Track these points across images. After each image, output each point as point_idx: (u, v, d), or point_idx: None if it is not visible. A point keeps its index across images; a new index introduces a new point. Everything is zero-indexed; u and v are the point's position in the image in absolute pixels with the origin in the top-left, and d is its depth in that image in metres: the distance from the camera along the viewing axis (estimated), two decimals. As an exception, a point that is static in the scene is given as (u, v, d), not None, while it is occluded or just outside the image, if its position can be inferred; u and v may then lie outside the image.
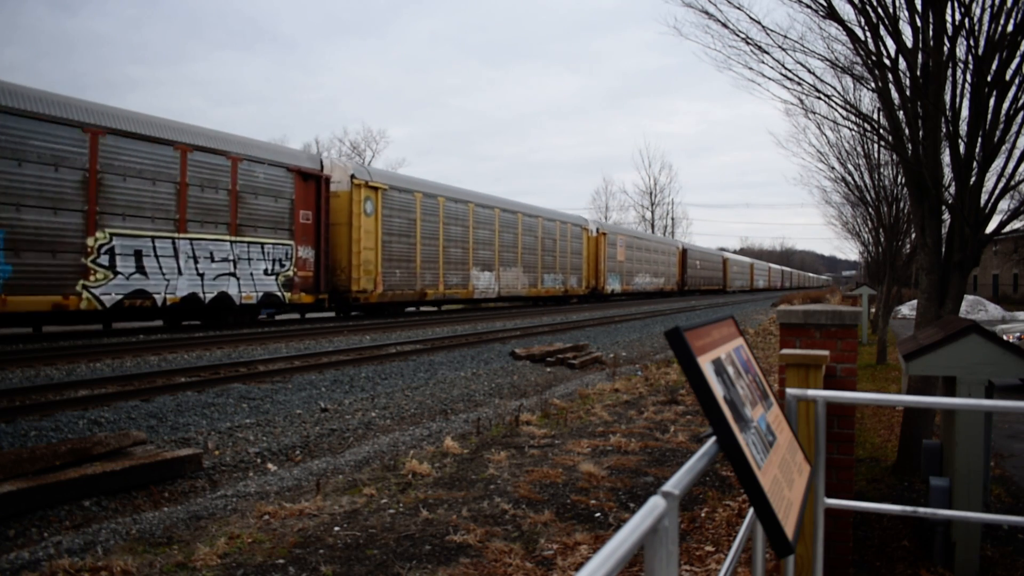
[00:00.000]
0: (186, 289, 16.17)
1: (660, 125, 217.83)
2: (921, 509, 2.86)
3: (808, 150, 28.53)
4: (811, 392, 2.82)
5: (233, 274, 17.39)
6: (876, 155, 14.56)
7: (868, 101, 12.79)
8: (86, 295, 14.09)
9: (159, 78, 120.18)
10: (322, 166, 20.54)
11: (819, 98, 7.36)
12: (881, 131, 7.78)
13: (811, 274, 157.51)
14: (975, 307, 29.65)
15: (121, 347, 13.14)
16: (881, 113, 8.44)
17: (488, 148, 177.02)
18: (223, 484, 6.17)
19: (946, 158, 6.78)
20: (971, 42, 5.82)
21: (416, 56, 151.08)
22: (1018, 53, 5.81)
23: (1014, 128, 6.21)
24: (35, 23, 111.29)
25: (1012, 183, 6.57)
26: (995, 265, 52.12)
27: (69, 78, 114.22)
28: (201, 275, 16.54)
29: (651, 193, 78.77)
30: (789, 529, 1.74)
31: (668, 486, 1.38)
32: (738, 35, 6.94)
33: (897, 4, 6.19)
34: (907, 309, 30.07)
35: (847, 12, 6.64)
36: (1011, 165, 6.35)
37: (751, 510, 2.17)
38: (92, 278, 14.22)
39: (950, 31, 5.86)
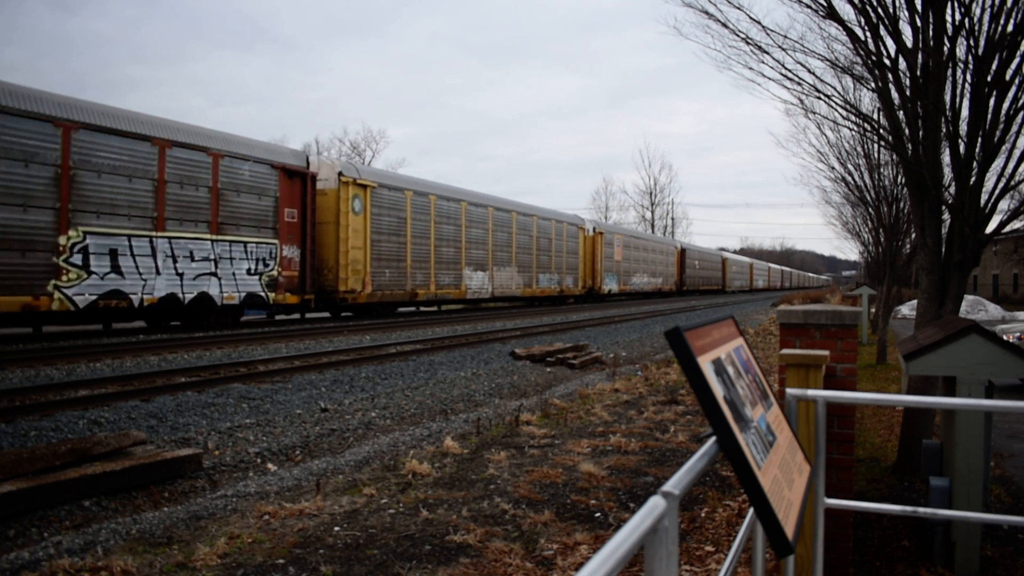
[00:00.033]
0: (164, 289, 15.73)
1: (660, 125, 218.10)
2: (921, 509, 2.86)
3: (808, 150, 28.54)
4: (811, 392, 2.83)
5: (214, 274, 16.94)
6: (876, 155, 14.56)
7: (868, 101, 12.80)
8: (58, 296, 13.65)
9: (159, 78, 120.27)
10: (308, 163, 20.06)
11: (819, 98, 7.37)
12: (881, 131, 7.78)
13: (811, 274, 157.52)
14: (975, 307, 29.65)
15: (121, 347, 13.14)
16: (881, 113, 8.44)
17: (488, 148, 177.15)
18: (223, 484, 6.17)
19: (946, 158, 6.78)
20: (971, 42, 5.82)
21: (416, 56, 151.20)
22: (1018, 53, 5.81)
23: (1014, 128, 6.22)
24: (35, 23, 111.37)
25: (1012, 183, 6.57)
26: (995, 265, 52.12)
27: (69, 78, 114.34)
28: (180, 275, 16.11)
29: (651, 193, 78.81)
30: (789, 529, 1.74)
31: (668, 486, 1.38)
32: (738, 35, 6.95)
33: (897, 4, 6.19)
34: (907, 309, 30.08)
35: (847, 12, 6.65)
36: (1011, 165, 6.36)
37: (751, 510, 2.17)
38: (64, 278, 13.76)
39: (950, 31, 5.86)
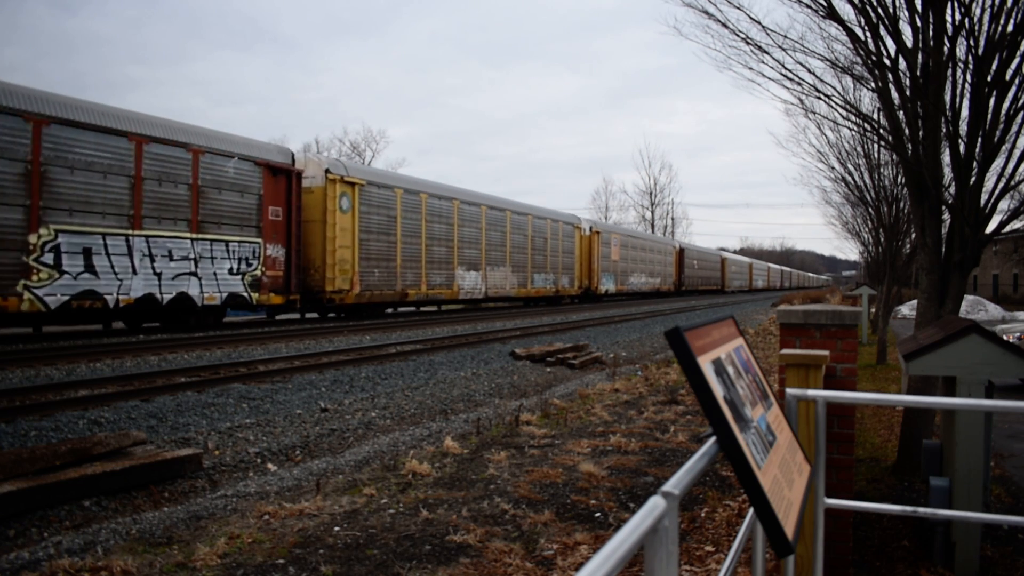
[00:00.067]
0: (141, 289, 15.21)
1: (660, 125, 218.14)
2: (921, 509, 2.86)
3: (808, 150, 28.55)
4: (811, 392, 2.83)
5: (194, 274, 16.44)
6: (876, 155, 14.56)
7: (868, 101, 12.80)
8: (28, 296, 13.18)
9: (159, 78, 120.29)
10: (293, 160, 19.61)
11: (819, 98, 7.37)
12: (881, 131, 7.78)
13: (811, 274, 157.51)
14: (975, 307, 29.65)
15: (121, 347, 13.14)
16: (881, 113, 8.44)
17: (488, 148, 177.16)
18: (223, 484, 6.17)
19: (946, 158, 6.78)
20: (971, 42, 5.83)
21: (416, 56, 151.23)
22: (1018, 53, 5.81)
23: (1014, 128, 6.22)
24: (35, 23, 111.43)
25: (1012, 183, 6.58)
26: (995, 265, 52.12)
27: (69, 78, 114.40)
28: (158, 274, 15.62)
29: (651, 193, 78.84)
30: (789, 529, 1.74)
31: (668, 486, 1.38)
32: (738, 35, 6.95)
33: (897, 4, 6.20)
34: (907, 309, 30.08)
35: (847, 12, 6.65)
36: (1011, 165, 6.36)
37: (751, 510, 2.17)
38: (35, 278, 13.29)
39: (950, 31, 5.86)
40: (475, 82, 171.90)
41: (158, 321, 17.27)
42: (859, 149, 14.99)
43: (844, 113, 9.08)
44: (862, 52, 6.72)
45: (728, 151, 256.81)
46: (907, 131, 6.42)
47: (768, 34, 6.84)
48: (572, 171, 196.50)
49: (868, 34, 6.41)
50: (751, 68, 7.16)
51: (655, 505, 1.28)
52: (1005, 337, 11.97)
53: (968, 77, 6.07)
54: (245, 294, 17.85)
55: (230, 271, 17.43)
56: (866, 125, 8.85)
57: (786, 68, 6.94)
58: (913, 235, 13.88)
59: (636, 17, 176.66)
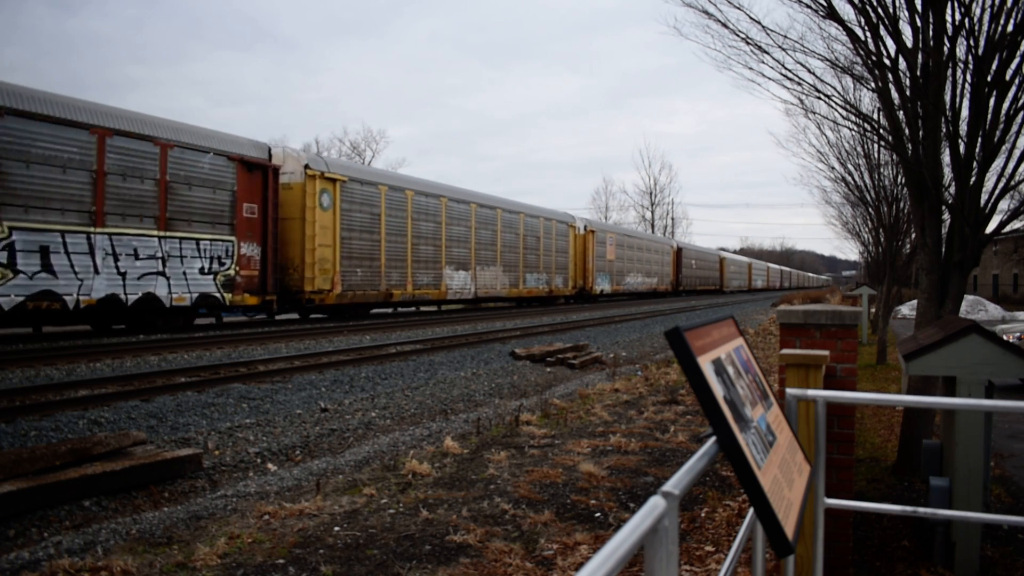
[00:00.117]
0: (104, 290, 14.43)
1: (660, 125, 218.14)
2: (921, 509, 2.86)
3: (808, 150, 28.56)
4: (811, 392, 2.83)
5: (162, 273, 15.70)
6: (876, 155, 14.57)
7: (868, 101, 12.81)
8: None
9: (159, 78, 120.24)
10: (270, 155, 18.87)
11: (819, 98, 7.37)
12: (881, 131, 7.78)
13: (811, 274, 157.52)
14: (975, 307, 29.66)
15: (121, 347, 13.14)
16: (881, 113, 8.44)
17: (488, 148, 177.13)
18: (223, 484, 6.17)
19: (946, 158, 6.78)
20: (971, 42, 5.83)
21: (416, 56, 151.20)
22: (1018, 53, 5.81)
23: (1014, 128, 6.22)
24: (35, 23, 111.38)
25: (1012, 183, 6.58)
26: (995, 265, 52.13)
27: (69, 78, 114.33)
28: (123, 274, 14.85)
29: (651, 193, 78.86)
30: (789, 529, 1.74)
31: (668, 486, 1.38)
32: (738, 35, 6.95)
33: (897, 4, 6.20)
34: (907, 309, 30.08)
35: (847, 12, 6.65)
36: (1011, 165, 6.36)
37: (751, 510, 2.17)
38: None
39: (950, 31, 5.86)
40: (475, 82, 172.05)
41: (124, 323, 16.58)
42: (859, 149, 15.00)
43: (844, 113, 9.09)
44: (862, 52, 6.72)
45: (728, 151, 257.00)
46: (907, 131, 6.42)
47: (768, 34, 6.85)
48: (572, 171, 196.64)
49: (868, 34, 6.41)
50: (751, 68, 7.17)
51: (655, 505, 1.28)
52: (1005, 337, 11.97)
53: (968, 77, 6.07)
54: (217, 294, 17.12)
55: (201, 271, 16.71)
56: (866, 125, 8.85)
57: (786, 68, 6.95)
58: (913, 235, 13.89)
59: (636, 17, 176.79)
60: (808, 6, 6.63)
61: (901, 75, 6.37)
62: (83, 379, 9.84)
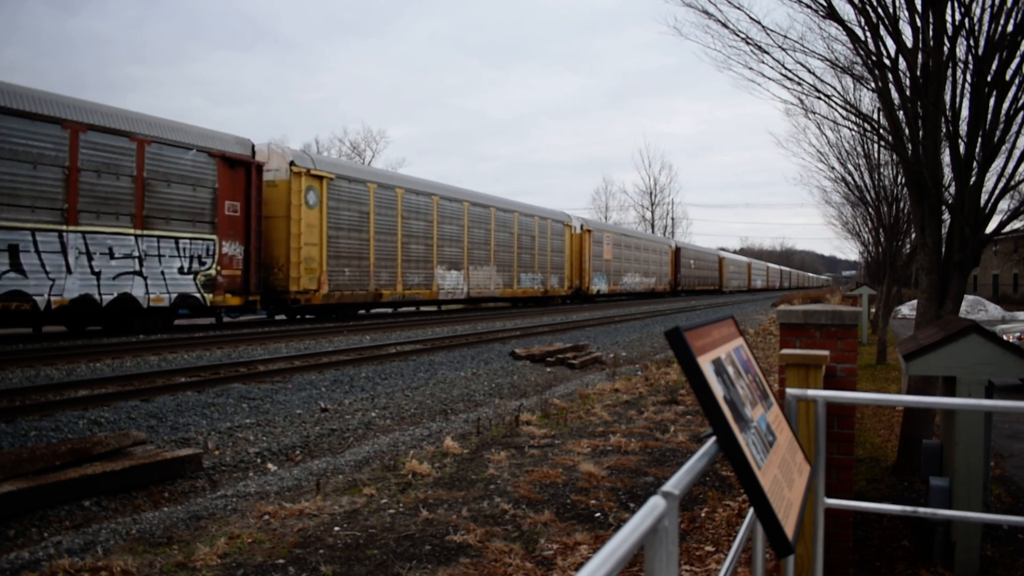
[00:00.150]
0: (78, 290, 13.92)
1: (660, 125, 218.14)
2: (921, 509, 2.86)
3: (808, 150, 28.56)
4: (811, 392, 2.83)
5: (139, 273, 15.17)
6: (876, 155, 14.57)
7: (868, 101, 12.81)
8: None
9: (159, 78, 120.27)
10: (254, 152, 18.30)
11: (819, 98, 7.37)
12: (881, 131, 7.78)
13: (811, 274, 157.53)
14: (975, 307, 29.66)
15: (121, 347, 13.14)
16: (881, 113, 8.45)
17: (488, 148, 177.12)
18: (223, 484, 6.17)
19: (946, 158, 6.78)
20: (971, 42, 5.83)
21: (416, 56, 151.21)
22: (1018, 53, 5.81)
23: (1014, 128, 6.22)
24: (35, 23, 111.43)
25: (1012, 183, 6.58)
26: (995, 265, 52.13)
27: (69, 78, 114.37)
28: (97, 274, 14.32)
29: (651, 193, 78.87)
30: (789, 529, 1.74)
31: (668, 486, 1.38)
32: (738, 35, 6.95)
33: (897, 4, 6.20)
34: (907, 309, 30.09)
35: (847, 12, 6.65)
36: (1011, 165, 6.36)
37: (751, 510, 2.17)
38: None
39: (950, 31, 5.86)
40: (475, 82, 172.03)
41: (100, 325, 16.09)
42: (859, 149, 15.00)
43: (844, 113, 9.09)
44: (862, 52, 6.72)
45: (728, 151, 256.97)
46: (907, 131, 6.42)
47: (768, 34, 6.85)
48: (572, 171, 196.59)
49: (868, 34, 6.41)
50: (751, 68, 7.17)
51: (655, 505, 1.28)
52: (1005, 337, 11.97)
53: (968, 77, 6.07)
54: (198, 295, 16.61)
55: (180, 270, 16.23)
56: (866, 125, 8.85)
57: (786, 68, 6.95)
58: (913, 235, 13.89)
59: (636, 17, 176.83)
60: (808, 6, 6.64)
61: (901, 75, 6.37)
62: (83, 379, 9.84)
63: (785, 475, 1.98)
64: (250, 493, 5.59)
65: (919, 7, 5.99)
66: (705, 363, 1.72)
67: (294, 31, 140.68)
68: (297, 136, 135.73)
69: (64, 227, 13.82)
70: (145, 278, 15.39)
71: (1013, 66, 5.85)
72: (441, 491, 5.23)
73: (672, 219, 79.85)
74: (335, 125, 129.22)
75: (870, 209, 16.61)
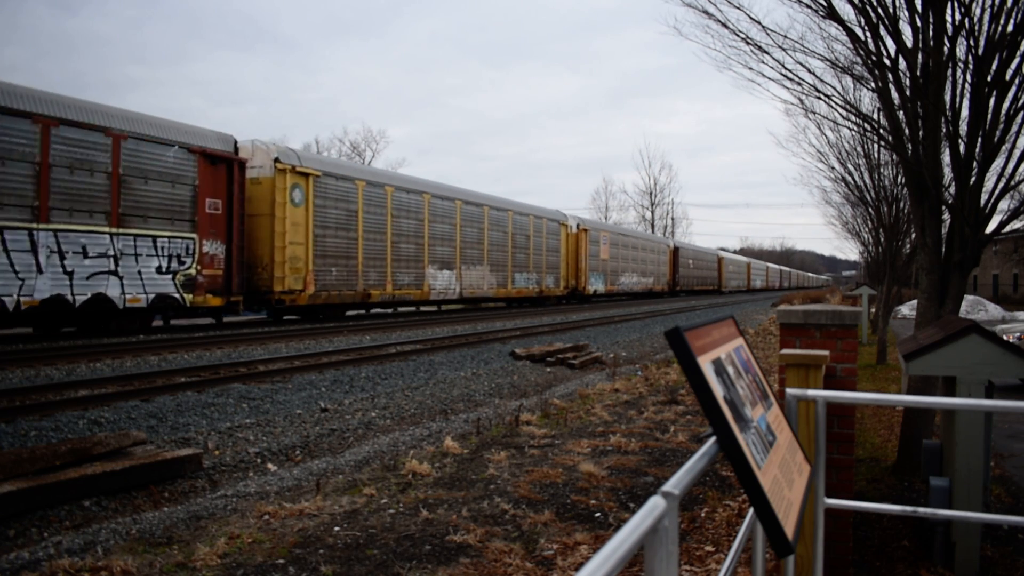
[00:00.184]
0: (49, 291, 13.40)
1: (660, 125, 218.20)
2: (921, 509, 2.86)
3: (808, 150, 28.57)
4: (811, 392, 2.83)
5: (114, 272, 14.62)
6: (876, 155, 14.57)
7: (868, 101, 12.81)
8: None
9: (159, 78, 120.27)
10: (236, 148, 17.79)
11: (819, 98, 7.37)
12: (881, 131, 7.78)
13: (810, 274, 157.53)
14: (975, 307, 29.66)
15: (121, 347, 13.14)
16: (881, 113, 8.45)
17: (488, 148, 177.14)
18: (223, 484, 6.17)
19: (946, 158, 6.78)
20: (971, 42, 5.83)
21: (416, 56, 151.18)
22: (1018, 53, 5.81)
23: (1014, 128, 6.22)
24: (35, 23, 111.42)
25: (1012, 183, 6.58)
26: (995, 265, 52.13)
27: (69, 78, 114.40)
28: (70, 273, 13.80)
29: (651, 193, 78.89)
30: (789, 529, 1.74)
31: (668, 486, 1.38)
32: (738, 35, 6.95)
33: (897, 4, 6.20)
34: (907, 309, 30.09)
35: (847, 12, 6.65)
36: (1011, 165, 6.36)
37: (751, 510, 2.17)
38: None
39: (950, 31, 5.86)
40: (475, 82, 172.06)
41: (73, 326, 15.58)
42: (859, 149, 15.00)
43: (844, 113, 9.09)
44: (862, 52, 6.72)
45: (728, 151, 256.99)
46: (907, 131, 6.42)
47: (768, 34, 6.85)
48: (572, 171, 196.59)
49: (868, 34, 6.41)
50: (751, 68, 7.17)
51: (655, 505, 1.28)
52: (1005, 337, 11.97)
53: (968, 77, 6.07)
54: (177, 295, 16.09)
55: (158, 270, 15.65)
56: (866, 125, 8.86)
57: (786, 68, 6.95)
58: (913, 235, 13.89)
59: (636, 17, 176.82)
60: (808, 6, 6.64)
61: (901, 75, 6.37)
62: (83, 379, 9.85)
63: (785, 475, 1.98)
64: (250, 493, 5.59)
65: (919, 7, 5.99)
66: (705, 363, 1.72)
67: (294, 31, 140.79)
68: (297, 136, 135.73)
69: (35, 225, 13.34)
70: (121, 278, 14.88)
71: (1013, 66, 5.85)
72: (441, 491, 5.23)
73: (672, 219, 79.91)
74: (335, 125, 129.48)
75: (870, 209, 16.61)
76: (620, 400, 9.34)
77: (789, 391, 2.82)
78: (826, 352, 3.58)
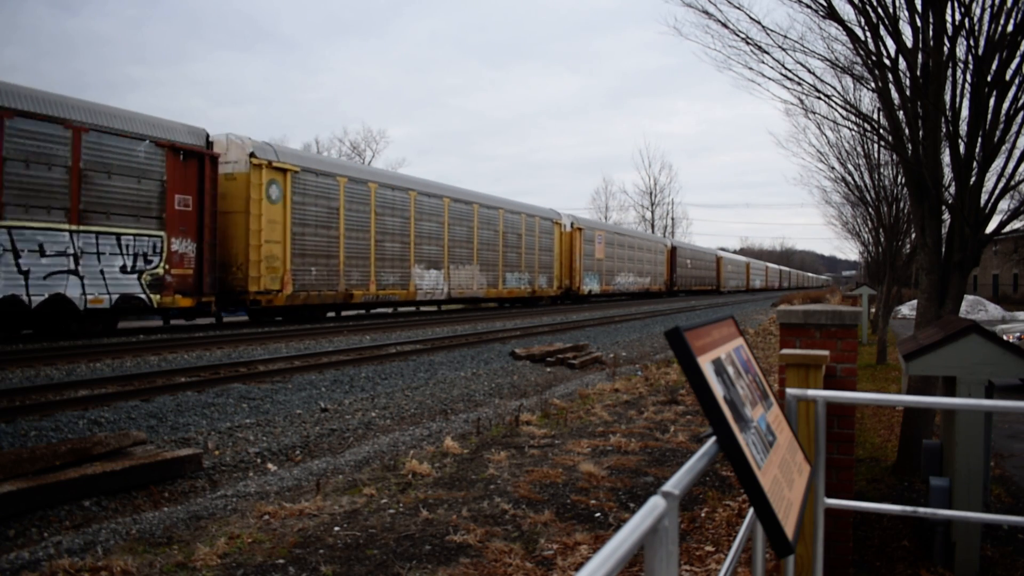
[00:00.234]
0: (1, 291, 12.78)
1: (660, 125, 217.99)
2: (921, 509, 2.86)
3: (808, 150, 28.55)
4: (811, 392, 2.83)
5: (74, 272, 13.93)
6: (876, 155, 14.57)
7: (868, 101, 12.81)
8: None
9: (159, 78, 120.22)
10: (209, 142, 17.14)
11: (819, 98, 7.37)
12: (881, 131, 7.78)
13: (810, 274, 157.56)
14: (975, 307, 29.66)
15: (121, 347, 13.14)
16: (881, 113, 8.45)
17: (488, 148, 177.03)
18: (223, 484, 6.17)
19: (946, 158, 6.78)
20: (971, 42, 5.83)
21: (416, 56, 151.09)
22: (1018, 53, 5.81)
23: (1014, 128, 6.22)
24: (35, 23, 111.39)
25: (1012, 183, 6.58)
26: (995, 265, 52.13)
27: (69, 78, 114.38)
28: (25, 273, 13.11)
29: (651, 193, 78.93)
30: (789, 529, 1.74)
31: (668, 486, 1.38)
32: (738, 35, 6.95)
33: (897, 4, 6.20)
34: (907, 309, 30.09)
35: (847, 12, 6.65)
36: (1011, 165, 6.36)
37: (751, 510, 2.17)
38: None
39: (950, 31, 5.86)
40: (475, 82, 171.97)
41: (31, 328, 14.78)
42: (859, 149, 15.01)
43: (844, 113, 9.09)
44: (862, 52, 6.72)
45: (728, 151, 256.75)
46: (907, 131, 6.42)
47: (768, 34, 6.85)
48: (572, 171, 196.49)
49: (868, 34, 6.42)
50: (751, 68, 7.17)
51: (655, 505, 1.28)
52: (1005, 337, 11.97)
53: (968, 77, 6.07)
54: (143, 295, 15.38)
55: (123, 269, 14.95)
56: (866, 125, 8.86)
57: (786, 68, 6.95)
58: (913, 235, 13.89)
59: (636, 17, 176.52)
60: (808, 6, 6.64)
61: (901, 75, 6.37)
62: (83, 379, 9.85)
63: (785, 475, 1.98)
64: (250, 493, 5.59)
65: (919, 7, 5.99)
66: (705, 363, 1.72)
67: (294, 31, 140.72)
68: (297, 136, 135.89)
69: None
70: (82, 278, 14.15)
71: (1013, 66, 5.85)
72: (441, 491, 5.23)
73: (672, 219, 79.96)
74: (335, 125, 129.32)
75: (870, 209, 16.61)
76: (620, 400, 9.34)
77: (789, 391, 2.82)
78: (826, 352, 3.58)
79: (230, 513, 5.06)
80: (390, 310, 26.77)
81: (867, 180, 15.33)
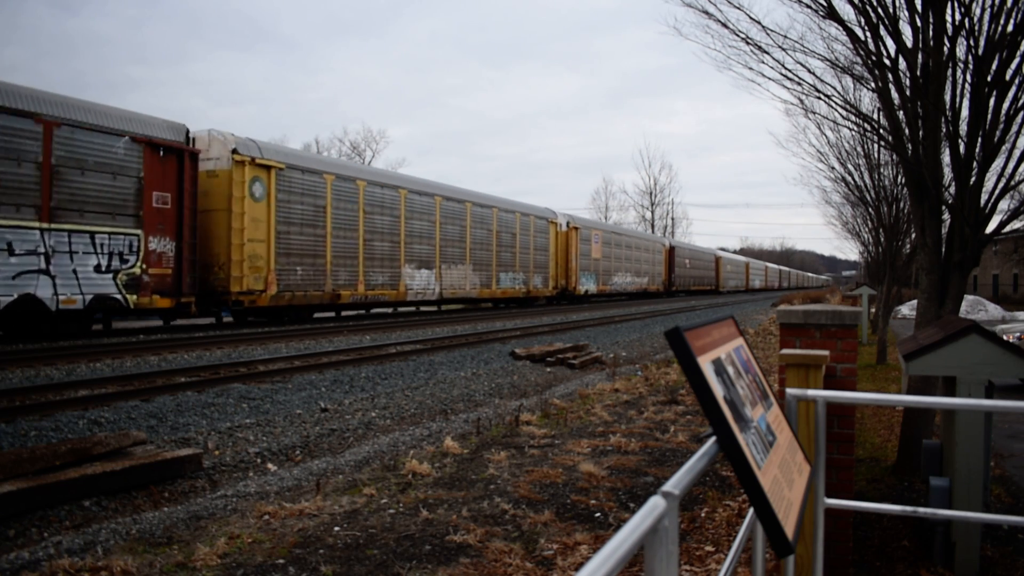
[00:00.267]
0: None
1: (660, 125, 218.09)
2: (921, 509, 2.86)
3: (808, 150, 28.57)
4: (811, 392, 2.82)
5: (45, 271, 13.48)
6: (876, 155, 14.57)
7: (868, 101, 12.81)
8: None
9: (159, 78, 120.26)
10: (189, 138, 16.63)
11: (819, 98, 7.37)
12: (881, 131, 7.78)
13: (810, 274, 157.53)
14: (975, 307, 29.66)
15: (121, 347, 13.14)
16: (881, 113, 8.44)
17: (488, 148, 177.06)
18: (223, 484, 6.17)
19: (946, 158, 6.78)
20: (971, 42, 5.83)
21: (416, 56, 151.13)
22: (1018, 53, 5.81)
23: (1014, 128, 6.22)
24: (35, 23, 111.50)
25: (1012, 183, 6.58)
26: (995, 265, 52.13)
27: (70, 78, 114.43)
28: None
29: (651, 193, 78.94)
30: (789, 529, 1.74)
31: (668, 486, 1.38)
32: (738, 35, 6.95)
33: (897, 4, 6.20)
34: (907, 309, 30.08)
35: (847, 12, 6.65)
36: (1011, 165, 6.36)
37: (751, 510, 2.17)
38: None
39: (950, 31, 5.86)
40: (475, 82, 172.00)
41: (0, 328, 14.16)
42: (859, 149, 15.00)
43: (844, 113, 9.09)
44: (862, 52, 6.72)
45: (728, 151, 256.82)
46: (907, 131, 6.42)
47: (768, 34, 6.85)
48: (572, 171, 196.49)
49: (868, 34, 6.41)
50: (751, 68, 7.17)
51: (655, 505, 1.28)
52: (1005, 337, 11.97)
53: (968, 77, 6.07)
54: (119, 296, 14.90)
55: (97, 268, 14.46)
56: (866, 125, 8.85)
57: (786, 68, 6.95)
58: (913, 235, 13.89)
59: (636, 17, 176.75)
60: (808, 6, 6.64)
61: (901, 75, 6.37)
62: (83, 379, 9.85)
63: (785, 475, 1.98)
64: (250, 493, 5.59)
65: (919, 7, 5.99)
66: (705, 363, 1.72)
67: (294, 31, 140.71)
68: (297, 136, 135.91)
69: None
70: (53, 277, 13.66)
71: (1013, 66, 5.85)
72: (441, 491, 5.23)
73: (672, 219, 79.96)
74: (335, 125, 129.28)
75: (870, 209, 16.61)
76: (620, 400, 9.34)
77: (789, 391, 2.82)
78: (826, 352, 3.58)
79: (230, 513, 5.06)
80: (390, 310, 26.76)
81: (867, 180, 15.34)
